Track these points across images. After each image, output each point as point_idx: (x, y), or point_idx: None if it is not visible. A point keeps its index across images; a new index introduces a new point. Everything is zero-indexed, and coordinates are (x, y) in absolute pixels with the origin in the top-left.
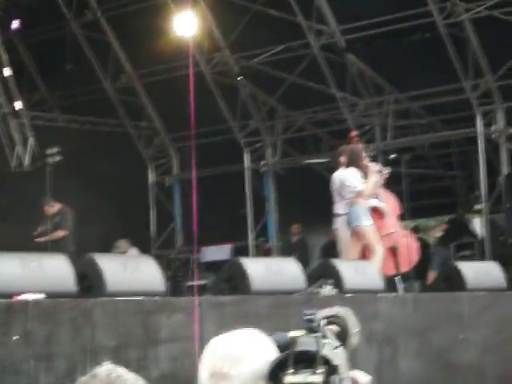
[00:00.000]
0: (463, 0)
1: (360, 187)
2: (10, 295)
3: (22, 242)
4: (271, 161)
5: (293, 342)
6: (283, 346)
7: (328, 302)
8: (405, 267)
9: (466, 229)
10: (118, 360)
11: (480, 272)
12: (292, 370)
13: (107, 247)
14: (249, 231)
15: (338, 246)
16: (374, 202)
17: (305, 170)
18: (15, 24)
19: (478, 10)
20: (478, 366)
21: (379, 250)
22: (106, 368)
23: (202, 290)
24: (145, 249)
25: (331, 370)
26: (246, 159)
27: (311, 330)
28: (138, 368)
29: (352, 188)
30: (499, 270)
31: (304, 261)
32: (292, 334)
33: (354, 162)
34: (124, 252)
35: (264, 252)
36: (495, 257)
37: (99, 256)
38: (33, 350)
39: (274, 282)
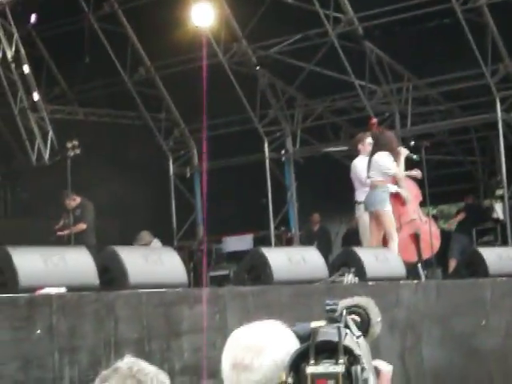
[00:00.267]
0: None
1: (394, 170)
2: (32, 289)
3: (43, 236)
4: (291, 150)
5: (314, 333)
6: (305, 337)
7: (350, 290)
8: (427, 254)
9: (485, 214)
10: (141, 352)
11: (502, 257)
12: (313, 361)
13: (129, 239)
14: (270, 221)
15: (360, 234)
16: (397, 189)
17: (324, 158)
18: (33, 18)
19: None
20: (501, 352)
21: (396, 237)
22: (127, 361)
23: (224, 280)
24: (167, 240)
25: (353, 360)
26: (266, 149)
27: (333, 320)
28: (161, 360)
29: (386, 169)
30: None
31: (325, 250)
32: (313, 324)
33: (386, 146)
34: (146, 244)
35: (285, 241)
36: None
37: (121, 248)
38: (56, 343)
39: (296, 272)
